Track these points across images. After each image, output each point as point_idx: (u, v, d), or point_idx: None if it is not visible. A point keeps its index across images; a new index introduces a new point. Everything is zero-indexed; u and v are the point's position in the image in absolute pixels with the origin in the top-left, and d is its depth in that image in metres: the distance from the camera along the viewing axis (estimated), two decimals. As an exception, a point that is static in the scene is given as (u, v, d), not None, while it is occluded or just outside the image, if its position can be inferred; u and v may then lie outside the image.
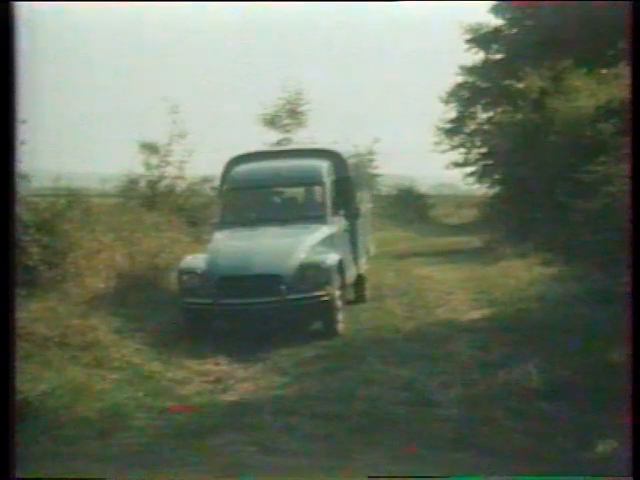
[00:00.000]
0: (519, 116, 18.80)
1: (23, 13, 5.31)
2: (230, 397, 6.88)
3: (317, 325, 9.14)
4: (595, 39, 8.85)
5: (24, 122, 9.66)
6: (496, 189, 24.12)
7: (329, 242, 9.71)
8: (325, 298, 8.99)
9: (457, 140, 32.22)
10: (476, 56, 29.81)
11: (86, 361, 7.52)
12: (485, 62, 29.84)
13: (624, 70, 11.77)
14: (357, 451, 5.39)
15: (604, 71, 12.68)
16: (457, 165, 32.03)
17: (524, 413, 5.95)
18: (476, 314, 9.42)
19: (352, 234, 10.62)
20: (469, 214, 28.52)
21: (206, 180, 16.19)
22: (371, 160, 22.75)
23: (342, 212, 10.42)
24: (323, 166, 10.57)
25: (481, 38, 29.21)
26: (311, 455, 5.32)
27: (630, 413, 4.25)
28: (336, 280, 9.24)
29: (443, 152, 32.21)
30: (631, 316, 4.44)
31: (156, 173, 16.26)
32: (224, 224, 10.26)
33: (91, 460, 5.31)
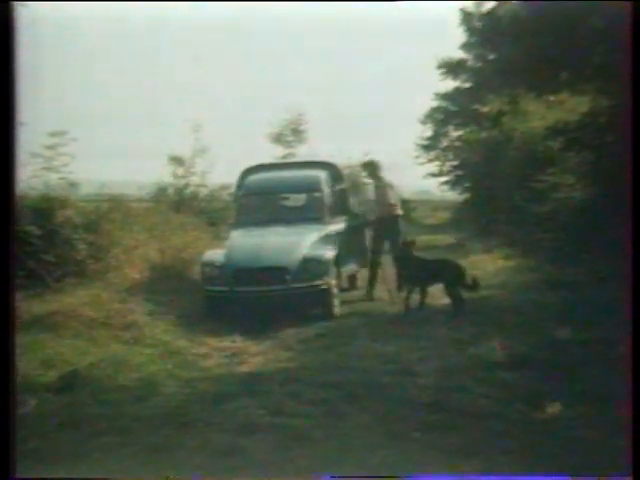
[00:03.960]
0: (484, 135, 18.87)
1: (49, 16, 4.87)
2: (244, 369, 6.88)
3: (317, 309, 9.14)
4: (543, 71, 8.93)
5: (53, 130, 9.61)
6: (465, 195, 24.20)
7: (327, 240, 9.71)
8: (324, 286, 9.00)
9: (433, 154, 32.39)
10: (448, 84, 29.95)
11: (125, 339, 7.54)
12: (456, 90, 29.99)
13: (565, 97, 11.82)
14: (350, 413, 5.40)
15: (551, 98, 12.75)
16: (433, 175, 32.19)
17: (489, 381, 5.95)
18: (449, 300, 9.40)
19: (346, 233, 10.60)
20: (443, 216, 28.52)
21: (224, 187, 16.15)
22: (362, 171, 22.71)
23: (338, 215, 10.41)
24: (321, 176, 10.57)
25: (452, 69, 29.30)
26: (312, 417, 5.33)
27: (630, 413, 4.14)
28: (333, 271, 9.25)
29: (421, 164, 32.39)
30: (631, 316, 4.27)
31: (182, 182, 16.26)
32: (239, 224, 10.28)
33: (130, 420, 5.32)
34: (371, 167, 10.84)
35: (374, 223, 10.67)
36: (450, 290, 8.95)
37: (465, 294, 8.94)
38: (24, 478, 4.35)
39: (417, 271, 9.18)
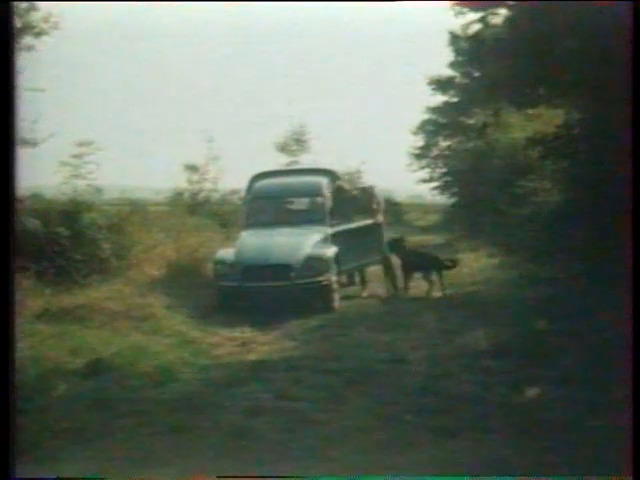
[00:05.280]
0: (470, 145, 18.86)
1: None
2: (253, 357, 6.88)
3: (318, 303, 9.12)
4: (523, 87, 8.99)
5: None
6: (454, 199, 24.15)
7: (328, 240, 9.71)
8: (325, 282, 9.01)
9: (424, 162, 32.42)
10: (438, 99, 30.00)
11: (145, 329, 7.54)
12: (445, 104, 29.97)
13: (543, 111, 11.88)
14: (349, 397, 5.40)
15: (530, 111, 12.81)
16: (424, 181, 32.21)
17: (473, 368, 5.96)
18: (438, 294, 9.41)
19: (345, 234, 10.58)
20: (433, 218, 28.49)
21: (234, 192, 16.18)
22: (359, 177, 22.71)
23: (337, 217, 10.39)
24: (323, 182, 10.56)
25: (442, 85, 29.32)
26: (314, 401, 5.33)
27: (630, 413, 3.99)
28: (333, 268, 9.25)
29: (414, 171, 32.43)
30: (632, 317, 4.18)
31: (196, 187, 16.32)
32: (248, 225, 10.27)
33: (149, 403, 5.32)
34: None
35: (364, 228, 10.66)
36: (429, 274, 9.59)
37: (454, 289, 9.09)
38: (24, 478, 4.02)
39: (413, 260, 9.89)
